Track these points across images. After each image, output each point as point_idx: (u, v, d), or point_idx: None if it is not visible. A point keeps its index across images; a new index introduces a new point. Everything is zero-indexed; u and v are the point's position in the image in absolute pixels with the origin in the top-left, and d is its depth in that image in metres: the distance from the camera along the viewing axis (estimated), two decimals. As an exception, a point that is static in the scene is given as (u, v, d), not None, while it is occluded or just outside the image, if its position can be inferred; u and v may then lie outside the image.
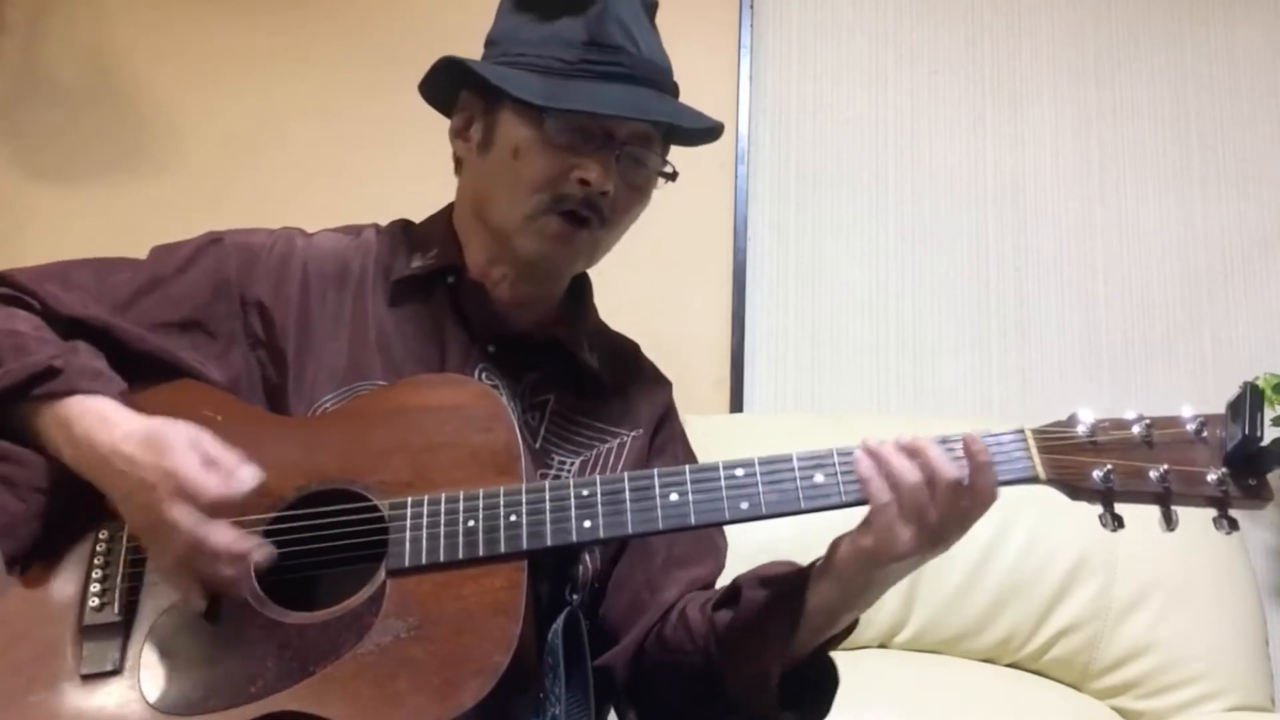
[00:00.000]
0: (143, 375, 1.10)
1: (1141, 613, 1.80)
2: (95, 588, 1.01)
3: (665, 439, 1.28)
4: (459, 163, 1.24)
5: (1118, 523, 0.96)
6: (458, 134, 1.21)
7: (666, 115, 1.15)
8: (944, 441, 0.97)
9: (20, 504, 1.02)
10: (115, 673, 0.97)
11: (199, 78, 2.38)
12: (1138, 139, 2.38)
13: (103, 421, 1.00)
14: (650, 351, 1.37)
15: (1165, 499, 0.95)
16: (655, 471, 1.01)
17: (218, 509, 0.96)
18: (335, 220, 1.30)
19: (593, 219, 1.14)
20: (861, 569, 0.99)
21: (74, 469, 1.01)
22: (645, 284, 2.10)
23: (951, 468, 0.94)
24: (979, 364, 2.27)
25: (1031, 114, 2.39)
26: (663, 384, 1.33)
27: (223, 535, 0.96)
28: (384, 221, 1.29)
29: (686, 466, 1.02)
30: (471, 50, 1.22)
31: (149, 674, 0.97)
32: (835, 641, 1.07)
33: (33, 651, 0.99)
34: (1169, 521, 0.95)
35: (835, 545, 1.02)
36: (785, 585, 1.05)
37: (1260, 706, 1.79)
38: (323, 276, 1.19)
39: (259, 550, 0.98)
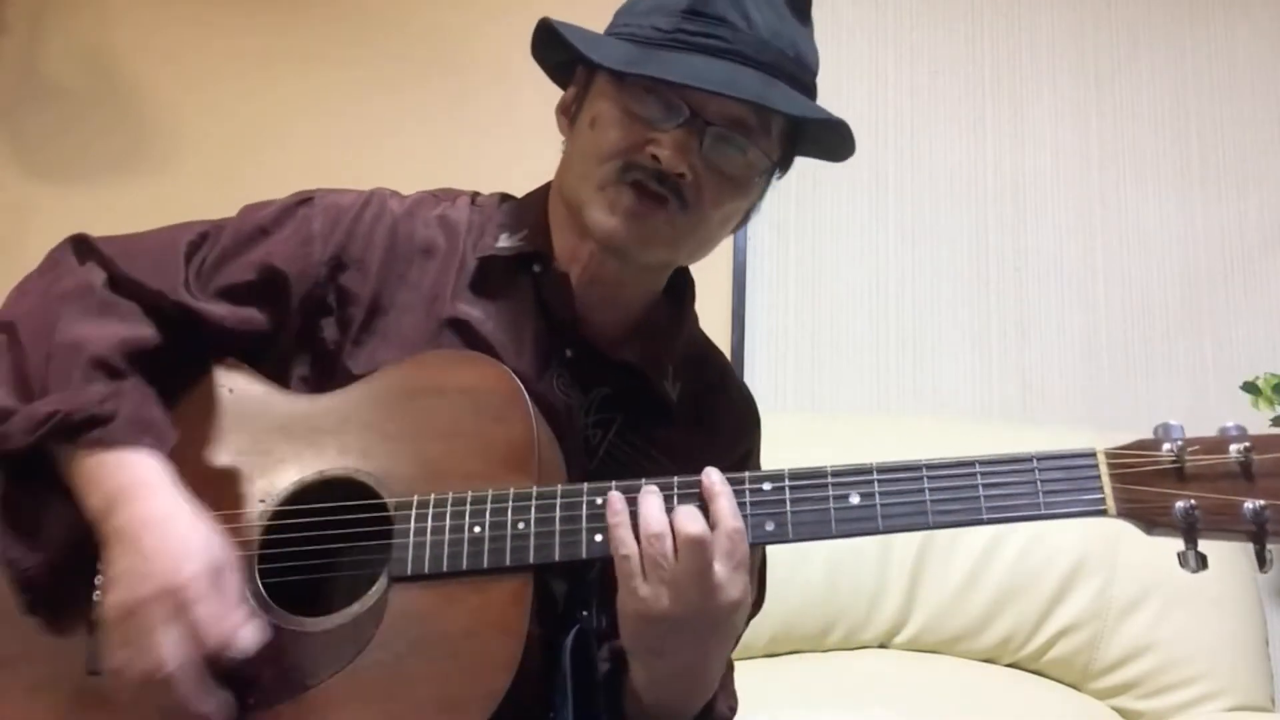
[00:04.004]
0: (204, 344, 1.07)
1: (1141, 613, 1.80)
2: (100, 580, 0.98)
3: None
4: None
5: (1201, 563, 0.85)
6: (563, 110, 1.12)
7: (754, 95, 0.99)
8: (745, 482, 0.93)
9: (39, 555, 0.98)
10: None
11: (199, 78, 2.39)
12: (1138, 139, 2.38)
13: (130, 492, 0.95)
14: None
15: (1261, 536, 0.83)
16: (675, 479, 0.94)
17: (211, 656, 0.89)
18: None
19: (669, 198, 1.02)
20: (633, 630, 0.94)
21: (90, 520, 0.96)
22: (645, 284, 2.10)
23: (692, 524, 0.89)
24: (979, 364, 2.27)
25: (1031, 114, 2.40)
26: (749, 419, 1.22)
27: (202, 704, 0.89)
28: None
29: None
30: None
31: None
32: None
33: (44, 644, 0.99)
34: (1263, 562, 0.84)
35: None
36: (618, 655, 1.01)
37: (1260, 706, 1.79)
38: (410, 245, 1.11)
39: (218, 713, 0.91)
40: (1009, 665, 1.84)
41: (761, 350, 2.27)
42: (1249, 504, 0.82)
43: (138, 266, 1.08)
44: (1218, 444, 0.85)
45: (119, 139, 2.36)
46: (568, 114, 1.12)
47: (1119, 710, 1.80)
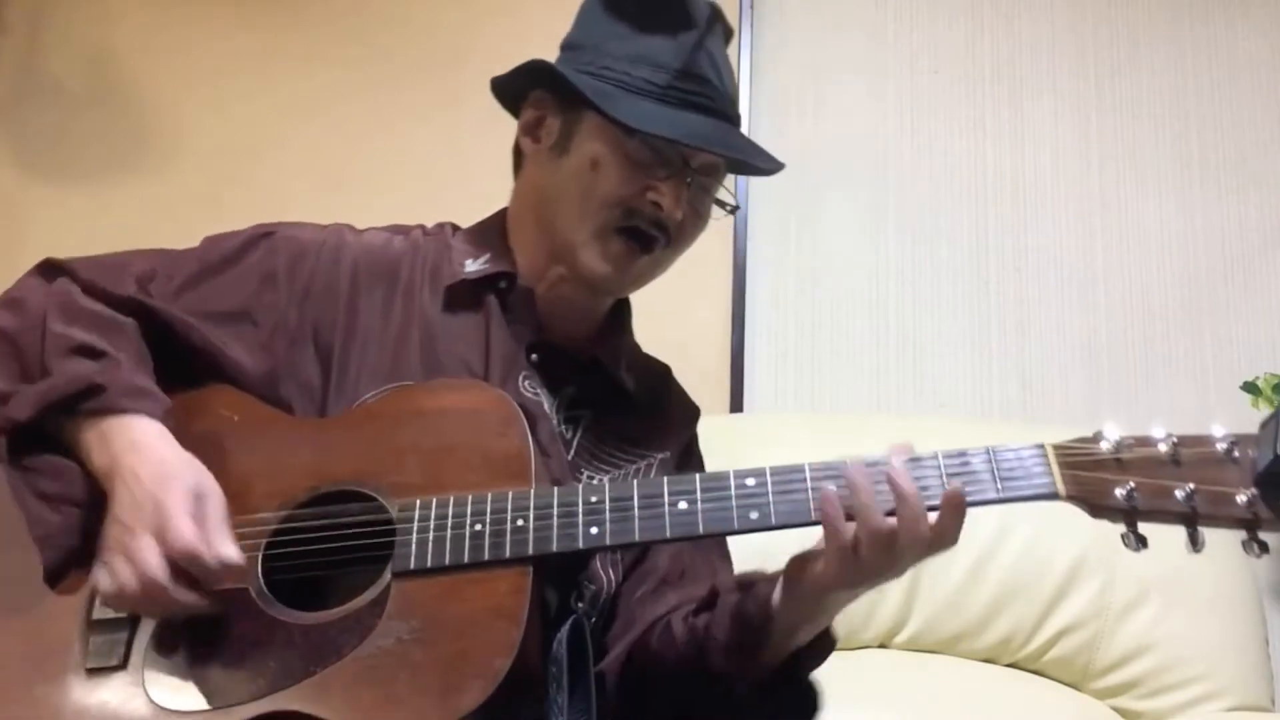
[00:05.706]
0: (182, 365, 1.12)
1: (1141, 613, 1.80)
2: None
3: (690, 464, 1.29)
4: (519, 159, 1.25)
5: (1141, 543, 0.94)
6: (527, 131, 1.22)
7: (744, 153, 1.17)
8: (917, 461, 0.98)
9: (57, 516, 1.02)
10: (120, 667, 0.98)
11: (199, 78, 2.39)
12: (1138, 138, 2.38)
13: (132, 445, 1.01)
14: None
15: (1192, 519, 0.92)
16: (665, 480, 1.01)
17: (185, 562, 0.95)
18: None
19: (659, 239, 1.16)
20: (816, 592, 1.00)
21: (99, 479, 1.02)
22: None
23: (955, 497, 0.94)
24: (979, 364, 2.27)
25: (1032, 113, 2.39)
26: (691, 410, 1.35)
27: (187, 598, 0.96)
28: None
29: (697, 475, 1.01)
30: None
31: (152, 670, 0.98)
32: (812, 659, 1.08)
33: (43, 644, 1.00)
34: (1195, 543, 0.93)
35: (794, 566, 1.02)
36: (755, 591, 1.06)
37: (1260, 706, 1.79)
38: (373, 275, 1.18)
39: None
40: (1009, 665, 1.84)
41: (761, 350, 2.27)
42: (1179, 489, 0.92)
43: (106, 279, 1.13)
44: (1149, 440, 0.95)
45: (119, 139, 2.36)
46: (535, 138, 1.21)
47: (1119, 710, 1.80)
